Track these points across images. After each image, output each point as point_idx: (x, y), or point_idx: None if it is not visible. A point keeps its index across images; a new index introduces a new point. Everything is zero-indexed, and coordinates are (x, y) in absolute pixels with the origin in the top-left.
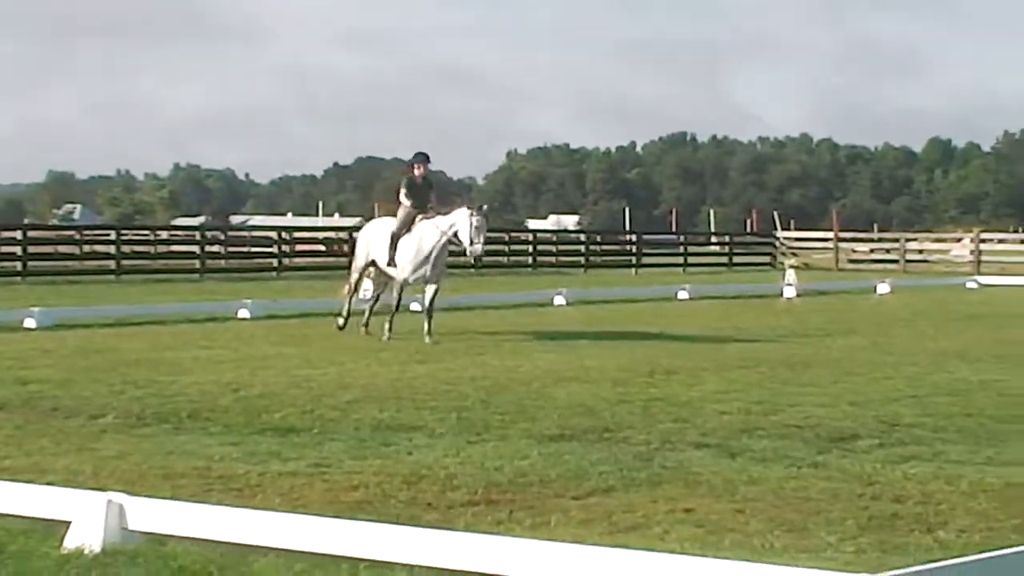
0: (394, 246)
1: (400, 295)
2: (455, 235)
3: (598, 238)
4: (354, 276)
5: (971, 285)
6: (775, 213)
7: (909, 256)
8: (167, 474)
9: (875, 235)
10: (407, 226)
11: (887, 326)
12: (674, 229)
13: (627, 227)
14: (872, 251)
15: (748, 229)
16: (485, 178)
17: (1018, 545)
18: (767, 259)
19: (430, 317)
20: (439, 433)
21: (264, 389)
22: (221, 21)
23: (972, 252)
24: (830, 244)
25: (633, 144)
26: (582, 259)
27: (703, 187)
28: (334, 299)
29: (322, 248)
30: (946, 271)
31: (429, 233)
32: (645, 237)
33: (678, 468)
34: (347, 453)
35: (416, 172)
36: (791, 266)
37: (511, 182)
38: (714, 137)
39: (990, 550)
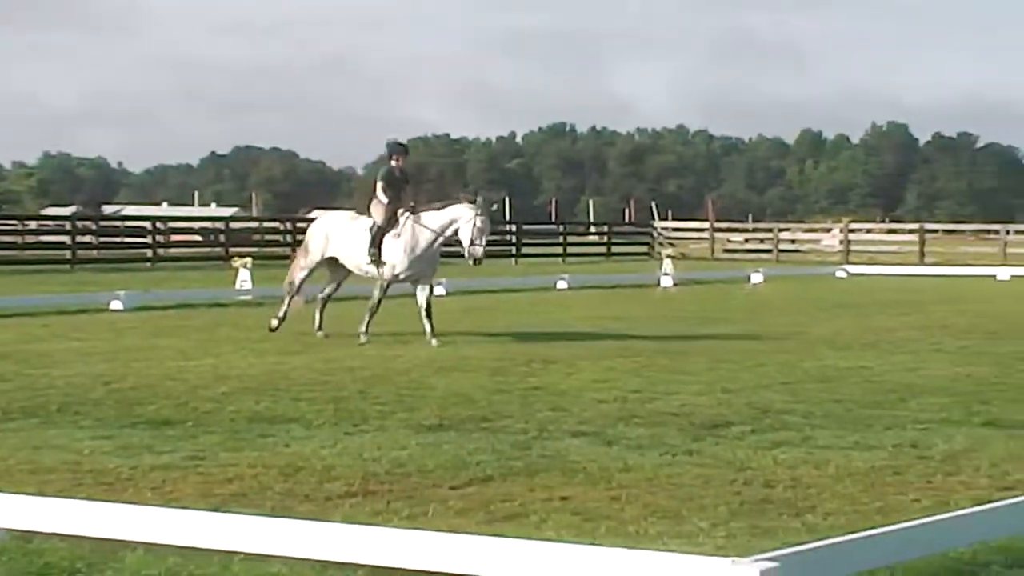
0: (378, 243)
1: (384, 294)
2: (454, 233)
3: None
4: (301, 274)
5: (840, 274)
6: (653, 203)
7: (782, 246)
8: (34, 469)
9: (749, 225)
10: (390, 222)
11: (760, 314)
12: (554, 219)
13: (507, 217)
14: (747, 241)
15: (626, 219)
16: (365, 168)
17: (882, 526)
18: (645, 249)
19: (430, 318)
20: (316, 424)
21: (137, 381)
22: (97, 8)
23: (842, 242)
24: (706, 234)
25: (513, 134)
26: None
27: (583, 177)
28: (211, 289)
29: (198, 238)
30: (817, 260)
31: (423, 231)
32: (525, 227)
33: (555, 457)
34: (222, 445)
35: (394, 164)
36: (668, 256)
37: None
38: (593, 128)
39: (854, 532)
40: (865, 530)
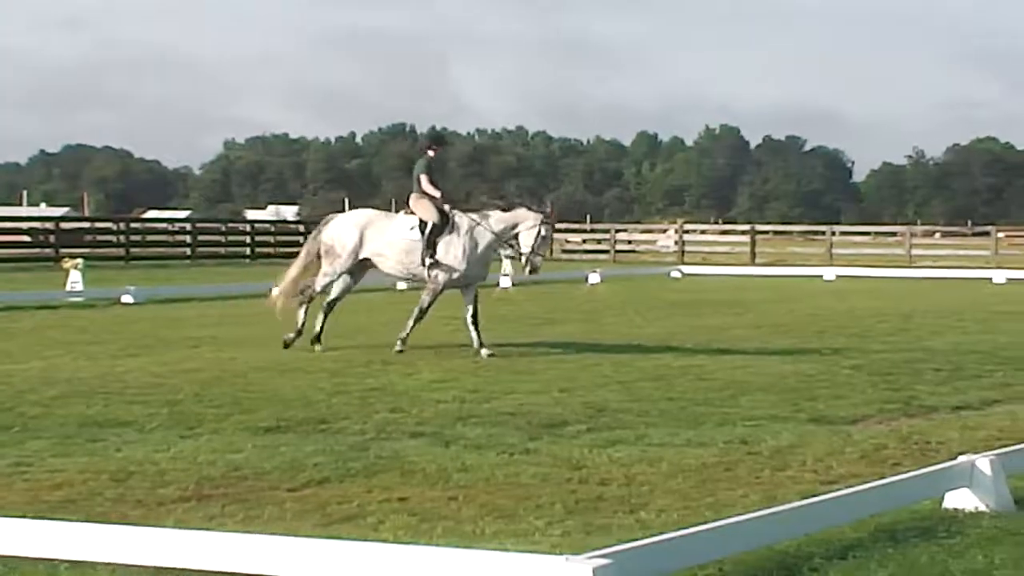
0: (432, 244)
1: (435, 299)
2: (513, 237)
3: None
4: (324, 280)
5: (675, 274)
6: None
7: (619, 246)
8: None
9: (588, 226)
10: (444, 220)
11: (597, 314)
12: None
13: None
14: (585, 241)
15: None
16: (202, 168)
17: (712, 522)
18: None
19: (477, 327)
20: (150, 428)
21: None
22: None
23: (676, 243)
24: None
25: (353, 135)
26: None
27: None
28: (40, 291)
29: (27, 239)
30: (653, 261)
31: (483, 233)
32: None
33: (393, 457)
34: (51, 451)
35: (431, 154)
36: (507, 256)
37: (228, 171)
38: (433, 128)
39: (685, 527)
40: (696, 525)
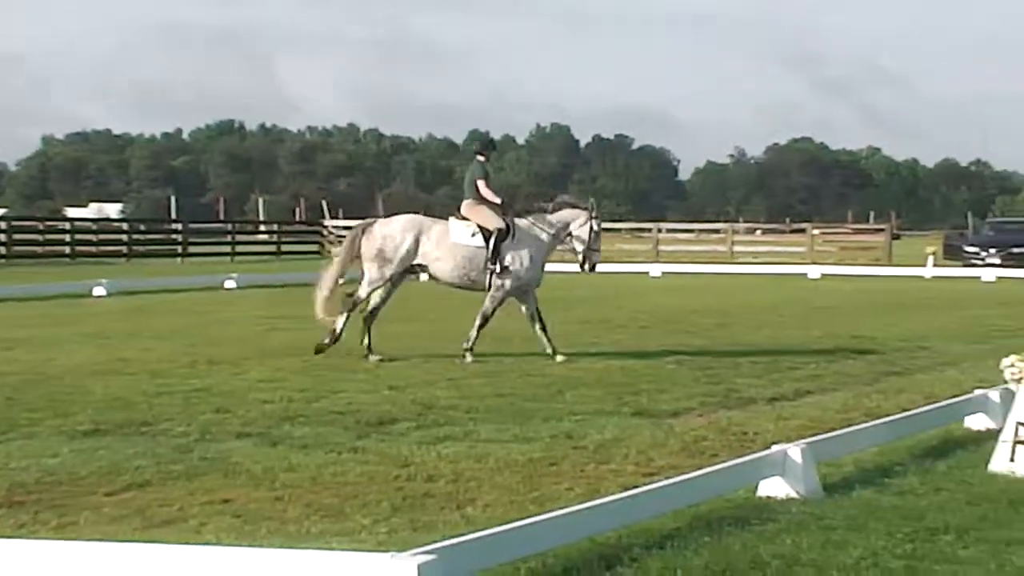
0: (497, 251)
1: (500, 306)
2: (567, 237)
3: (142, 227)
4: (370, 288)
5: None
6: (323, 202)
7: None
8: None
9: None
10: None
11: (430, 311)
12: (222, 218)
13: (173, 216)
14: None
15: (297, 218)
16: (18, 164)
17: (536, 515)
18: (316, 248)
19: (547, 331)
20: None
21: None
22: None
23: None
24: None
25: (180, 131)
26: (125, 248)
27: (252, 175)
28: None
29: None
30: None
31: (542, 234)
32: (192, 226)
33: (217, 459)
34: None
35: (482, 159)
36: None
37: (47, 168)
38: (263, 125)
39: (510, 522)
40: (520, 520)
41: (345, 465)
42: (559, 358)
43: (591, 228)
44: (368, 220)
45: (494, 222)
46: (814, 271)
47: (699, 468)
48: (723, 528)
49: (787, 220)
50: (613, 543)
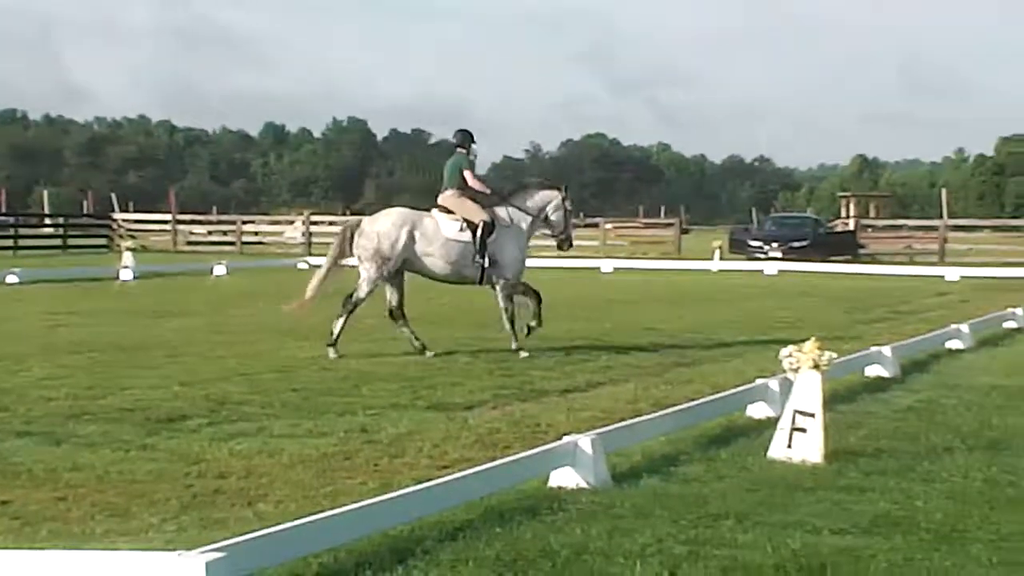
0: (484, 245)
1: (515, 292)
2: (544, 221)
3: None
4: (369, 286)
5: (303, 266)
6: (112, 195)
7: (246, 238)
8: None
9: (214, 217)
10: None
11: (223, 307)
12: (3, 210)
13: None
14: (210, 233)
15: (85, 211)
16: None
17: (329, 510)
18: (104, 241)
19: (513, 321)
20: None
21: None
22: None
23: (304, 234)
24: (168, 226)
25: None
26: None
27: (35, 167)
28: None
29: None
30: (280, 252)
31: (524, 218)
32: None
33: None
34: None
35: (463, 151)
36: (128, 248)
37: None
38: (47, 116)
39: (303, 517)
40: (312, 515)
41: (133, 463)
42: (523, 354)
43: (565, 209)
44: (353, 220)
45: (479, 215)
46: (607, 265)
47: (492, 460)
48: (514, 519)
49: (580, 215)
50: (406, 536)
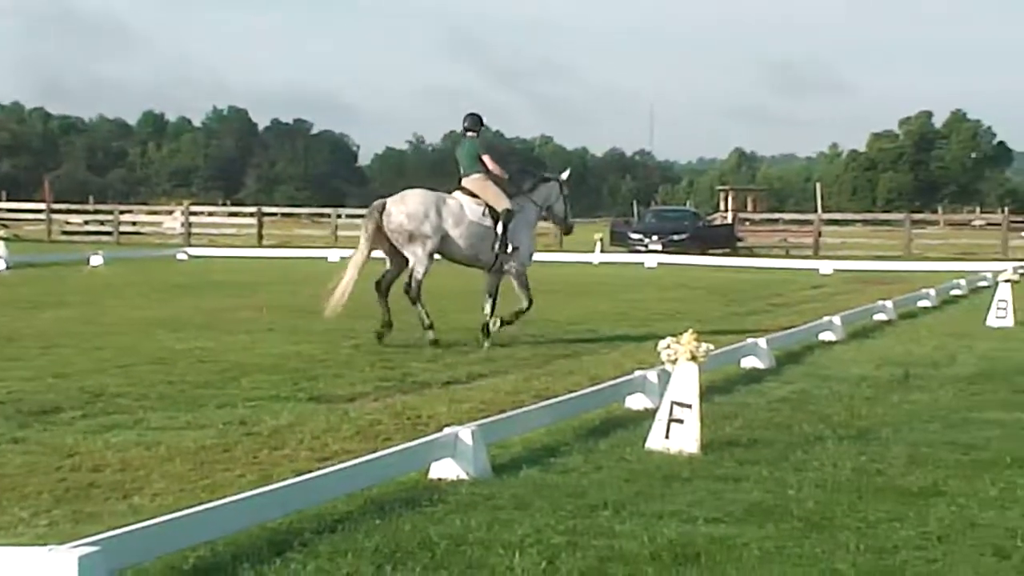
0: (507, 230)
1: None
2: (548, 211)
3: None
4: (422, 267)
5: (181, 256)
6: None
7: (123, 228)
8: None
9: (90, 207)
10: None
11: (100, 298)
12: None
13: None
14: (86, 223)
15: None
16: None
17: (207, 503)
18: None
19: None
20: None
21: None
22: None
23: (183, 224)
24: (43, 215)
25: None
26: None
27: None
28: None
29: None
30: (158, 243)
31: (532, 208)
32: None
33: None
34: None
35: (473, 135)
36: (2, 238)
37: None
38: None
39: (179, 510)
40: (189, 508)
41: (4, 456)
42: (486, 344)
43: (566, 197)
44: (379, 203)
45: (503, 202)
46: None
47: (372, 452)
48: (394, 510)
49: None
50: (284, 528)
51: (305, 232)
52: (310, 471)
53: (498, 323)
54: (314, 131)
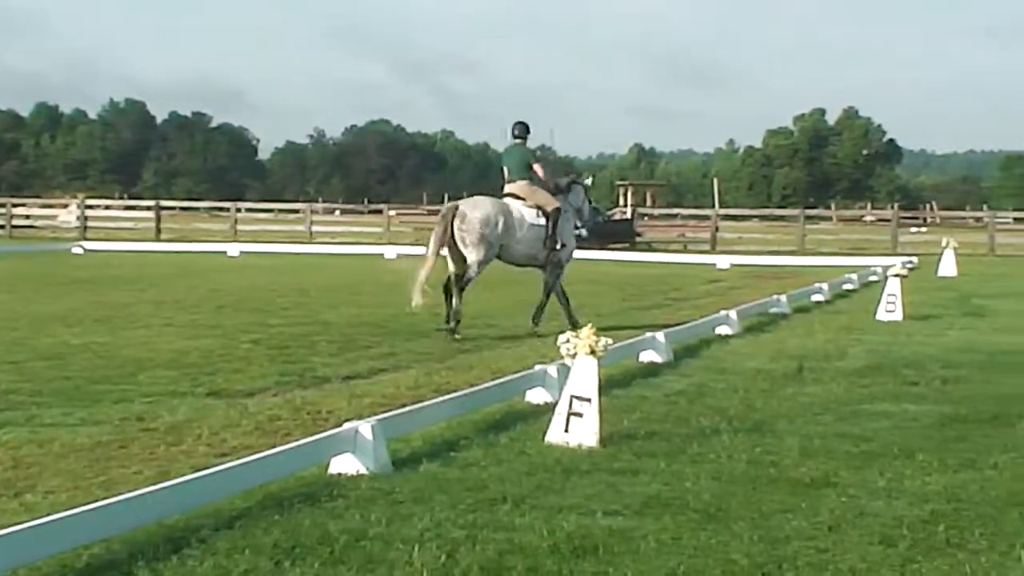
0: (556, 228)
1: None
2: (577, 212)
3: None
4: (479, 269)
5: (77, 250)
6: None
7: (16, 222)
8: None
9: None
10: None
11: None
12: None
13: None
14: None
15: None
16: None
17: (102, 500)
18: None
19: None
20: None
21: None
22: None
23: (79, 218)
24: None
25: None
26: None
27: None
28: None
29: None
30: (53, 237)
31: (570, 208)
32: None
33: None
34: None
35: (520, 142)
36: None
37: None
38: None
39: (74, 508)
40: (84, 505)
41: None
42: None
43: (589, 200)
44: (451, 205)
45: (553, 202)
46: (390, 251)
47: (272, 447)
48: (293, 506)
49: (365, 201)
50: (182, 525)
51: (204, 226)
52: (208, 467)
53: (569, 317)
54: (213, 124)
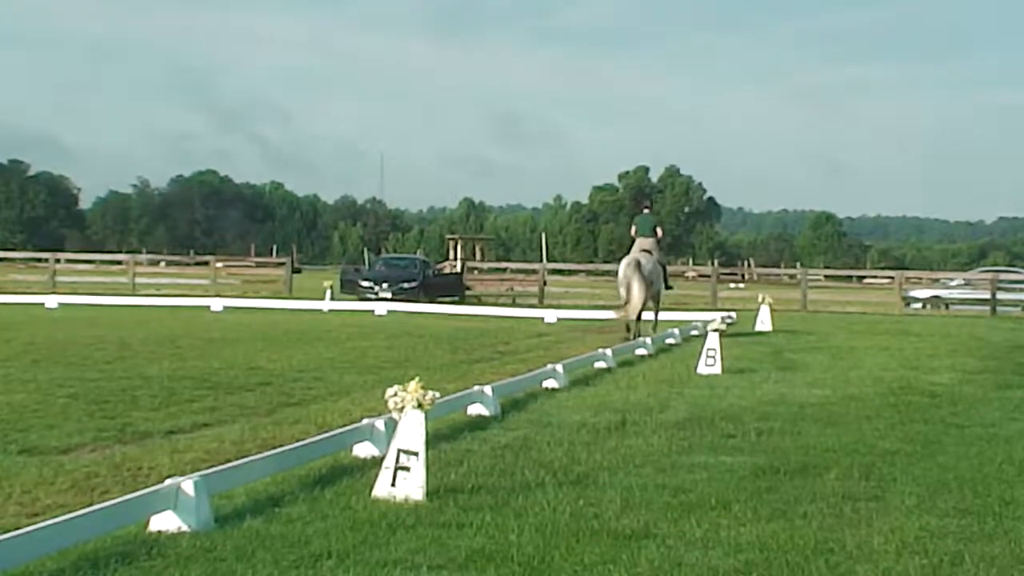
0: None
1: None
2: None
3: None
4: (637, 308)
5: None
6: None
7: None
8: None
9: None
10: None
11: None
12: None
13: None
14: None
15: None
16: None
17: None
18: None
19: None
20: None
21: None
22: None
23: None
24: None
25: None
26: None
27: None
28: None
29: None
30: None
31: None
32: None
33: None
34: None
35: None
36: None
37: None
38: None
39: None
40: None
41: None
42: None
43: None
44: (631, 259)
45: (660, 258)
46: (217, 303)
47: (89, 505)
48: (110, 566)
49: (191, 252)
50: None
51: (20, 277)
52: (18, 528)
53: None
54: (31, 172)
